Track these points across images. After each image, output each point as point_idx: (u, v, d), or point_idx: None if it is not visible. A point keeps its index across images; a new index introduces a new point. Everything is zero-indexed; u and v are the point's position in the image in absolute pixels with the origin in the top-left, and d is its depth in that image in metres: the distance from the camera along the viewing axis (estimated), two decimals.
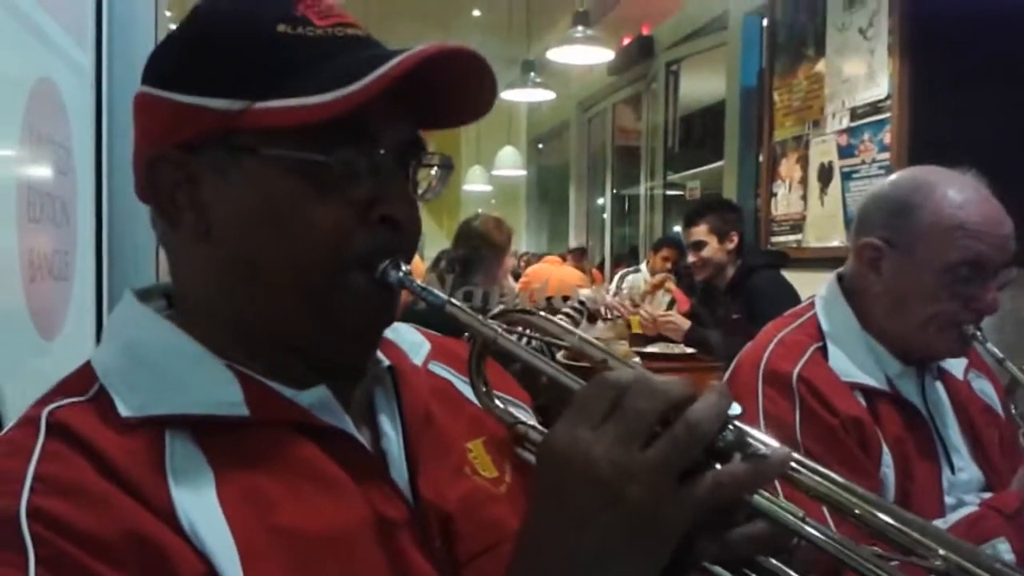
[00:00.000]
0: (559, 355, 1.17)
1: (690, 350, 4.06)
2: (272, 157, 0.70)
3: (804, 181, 4.74)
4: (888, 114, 4.04)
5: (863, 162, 4.24)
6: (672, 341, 4.21)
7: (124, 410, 0.68)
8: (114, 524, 0.61)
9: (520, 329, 0.76)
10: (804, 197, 4.75)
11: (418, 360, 0.87)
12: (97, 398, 0.70)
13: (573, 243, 10.73)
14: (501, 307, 0.80)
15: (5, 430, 0.69)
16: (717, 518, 0.61)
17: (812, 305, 1.57)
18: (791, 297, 3.37)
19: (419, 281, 0.75)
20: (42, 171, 1.35)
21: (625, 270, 6.96)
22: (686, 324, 3.90)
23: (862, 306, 1.51)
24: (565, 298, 4.10)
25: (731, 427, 0.60)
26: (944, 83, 3.81)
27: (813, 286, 1.67)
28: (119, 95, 1.72)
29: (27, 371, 1.21)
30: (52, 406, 0.68)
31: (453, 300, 0.74)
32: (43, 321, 1.31)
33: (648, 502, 0.57)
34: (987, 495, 1.44)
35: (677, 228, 6.97)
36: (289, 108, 0.68)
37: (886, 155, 4.05)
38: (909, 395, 1.47)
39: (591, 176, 11.29)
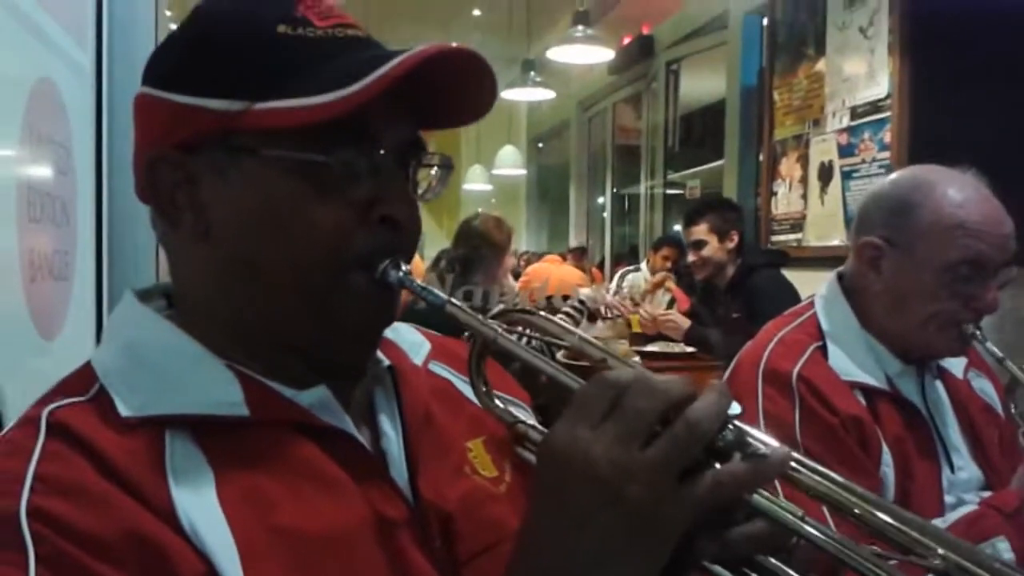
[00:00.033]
0: (559, 354, 1.17)
1: (690, 349, 4.06)
2: (272, 158, 0.70)
3: (804, 180, 4.74)
4: (888, 113, 4.04)
5: (863, 161, 4.24)
6: (672, 340, 4.21)
7: (124, 410, 0.68)
8: (114, 524, 0.61)
9: (520, 329, 0.76)
10: (804, 196, 4.75)
11: (418, 360, 0.87)
12: (97, 398, 0.70)
13: (573, 242, 10.73)
14: (501, 307, 0.80)
15: (5, 430, 0.69)
16: (717, 517, 0.61)
17: (812, 304, 1.57)
18: (791, 296, 3.37)
19: (419, 281, 0.75)
20: (42, 171, 1.36)
21: (625, 269, 6.96)
22: (686, 323, 3.90)
23: (862, 305, 1.51)
24: (565, 297, 4.10)
25: (731, 426, 0.60)
26: (944, 82, 3.81)
27: (813, 285, 1.67)
28: (119, 95, 1.72)
29: (27, 371, 1.21)
30: (52, 406, 0.68)
31: (453, 300, 0.74)
32: (43, 321, 1.32)
33: (648, 501, 0.57)
34: (987, 494, 1.44)
35: (677, 227, 6.97)
36: (289, 109, 0.68)
37: (886, 154, 4.05)
38: (909, 394, 1.47)
39: (591, 175, 11.29)
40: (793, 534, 0.61)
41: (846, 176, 4.37)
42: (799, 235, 4.78)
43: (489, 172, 12.02)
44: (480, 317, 0.74)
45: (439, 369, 0.89)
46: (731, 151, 6.10)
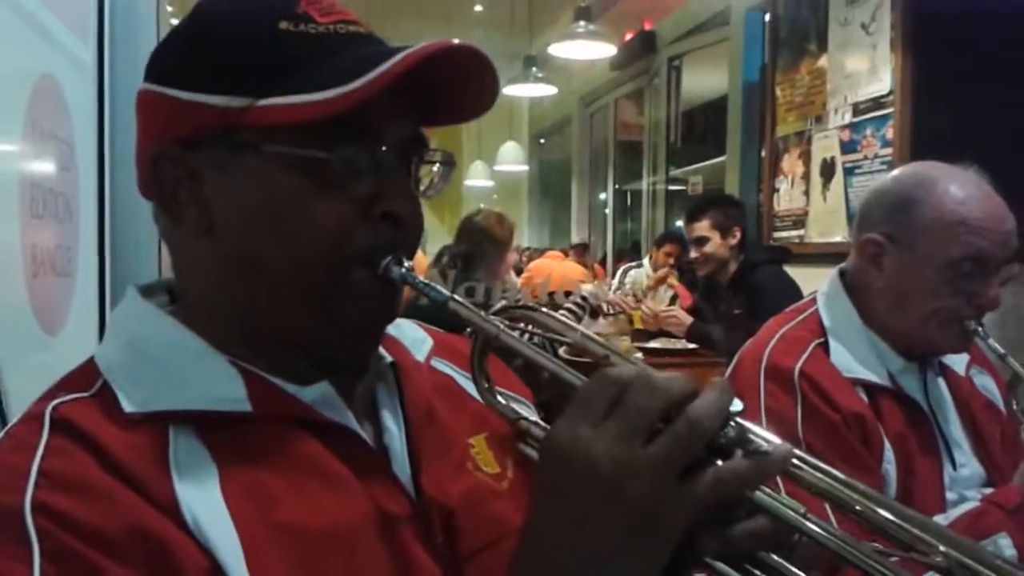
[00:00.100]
0: (561, 351, 1.17)
1: (692, 345, 4.06)
2: (274, 154, 0.70)
3: (806, 176, 4.74)
4: (890, 109, 4.03)
5: (865, 157, 4.23)
6: (674, 336, 4.21)
7: (128, 406, 0.68)
8: (118, 519, 0.62)
9: (522, 325, 0.76)
10: (806, 192, 4.74)
11: (420, 356, 0.87)
12: (101, 394, 0.70)
13: (575, 238, 10.74)
14: (503, 303, 0.79)
15: (9, 426, 0.69)
16: (719, 514, 0.61)
17: (814, 301, 1.57)
18: (793, 293, 3.37)
19: (421, 277, 0.75)
20: (45, 167, 1.36)
21: (627, 265, 6.96)
22: (688, 320, 3.91)
23: (864, 302, 1.51)
24: (567, 293, 4.09)
25: (733, 423, 0.60)
26: (946, 78, 3.80)
27: (815, 282, 1.67)
28: (121, 91, 1.72)
29: (30, 366, 1.21)
30: (56, 402, 0.68)
31: (456, 296, 0.74)
32: (46, 316, 1.32)
33: (649, 499, 0.58)
34: (988, 491, 1.44)
35: (679, 223, 6.96)
36: (291, 105, 0.68)
37: (888, 151, 4.05)
38: (911, 391, 1.47)
39: (593, 171, 11.29)
40: (795, 531, 0.61)
41: (848, 172, 4.37)
42: (801, 231, 4.78)
43: (491, 168, 12.02)
44: (482, 313, 0.74)
45: (441, 365, 0.89)
46: (733, 147, 6.09)
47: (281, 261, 0.72)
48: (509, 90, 7.84)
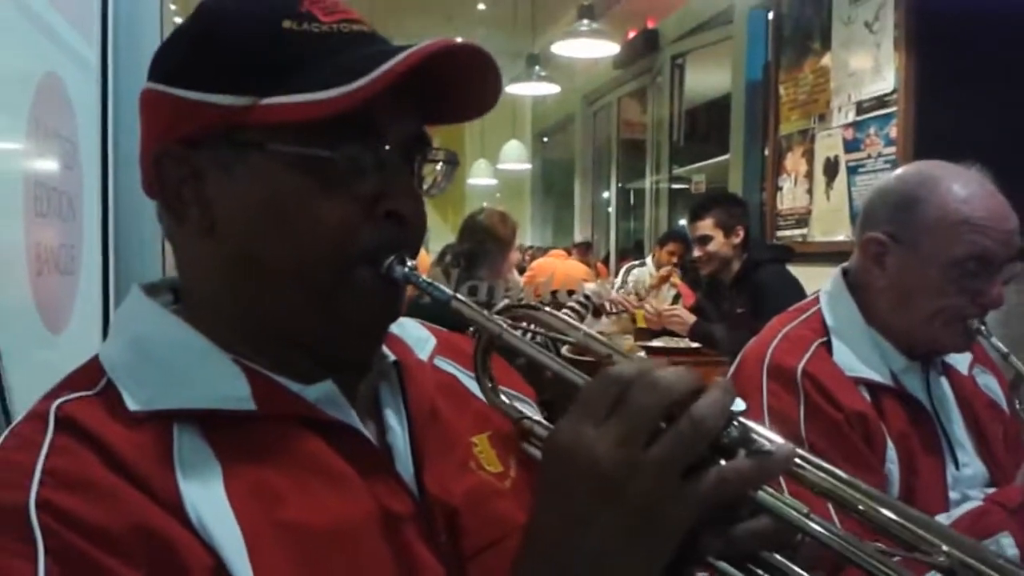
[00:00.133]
0: (564, 350, 1.17)
1: (695, 344, 4.06)
2: (277, 153, 0.70)
3: (810, 175, 4.74)
4: (894, 108, 4.03)
5: (869, 156, 4.23)
6: (677, 335, 4.20)
7: (132, 404, 0.69)
8: (122, 517, 0.62)
9: (525, 324, 0.76)
10: (810, 191, 4.74)
11: (423, 355, 0.87)
12: (105, 392, 0.70)
13: (578, 237, 10.73)
14: (506, 302, 0.80)
15: (14, 424, 0.70)
16: (722, 514, 0.61)
17: (817, 300, 1.57)
18: (796, 291, 3.37)
19: (424, 276, 0.76)
20: (49, 165, 1.36)
21: (630, 264, 6.96)
22: (691, 318, 3.90)
23: (867, 301, 1.51)
24: (570, 292, 4.10)
25: (735, 423, 0.60)
26: (950, 77, 3.80)
27: (818, 280, 1.67)
28: (125, 90, 1.72)
29: (34, 364, 1.21)
30: (60, 400, 0.69)
31: (458, 295, 0.74)
32: (50, 315, 1.32)
33: (651, 499, 0.57)
34: (991, 490, 1.44)
35: (683, 222, 6.96)
36: (295, 104, 0.69)
37: (892, 149, 4.04)
38: (914, 390, 1.47)
39: (596, 170, 11.28)
40: (798, 531, 0.61)
41: (852, 171, 4.36)
42: (804, 230, 4.78)
43: (494, 167, 12.02)
44: (485, 312, 0.74)
45: (444, 365, 0.89)
46: (736, 146, 6.08)
47: (285, 260, 0.72)
48: (512, 89, 7.84)
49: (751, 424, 0.61)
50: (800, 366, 1.42)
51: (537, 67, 7.90)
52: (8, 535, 0.60)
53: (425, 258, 5.42)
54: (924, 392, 1.49)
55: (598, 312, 4.15)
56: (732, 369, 1.55)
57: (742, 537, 0.61)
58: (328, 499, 0.70)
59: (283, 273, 0.72)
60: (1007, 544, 1.27)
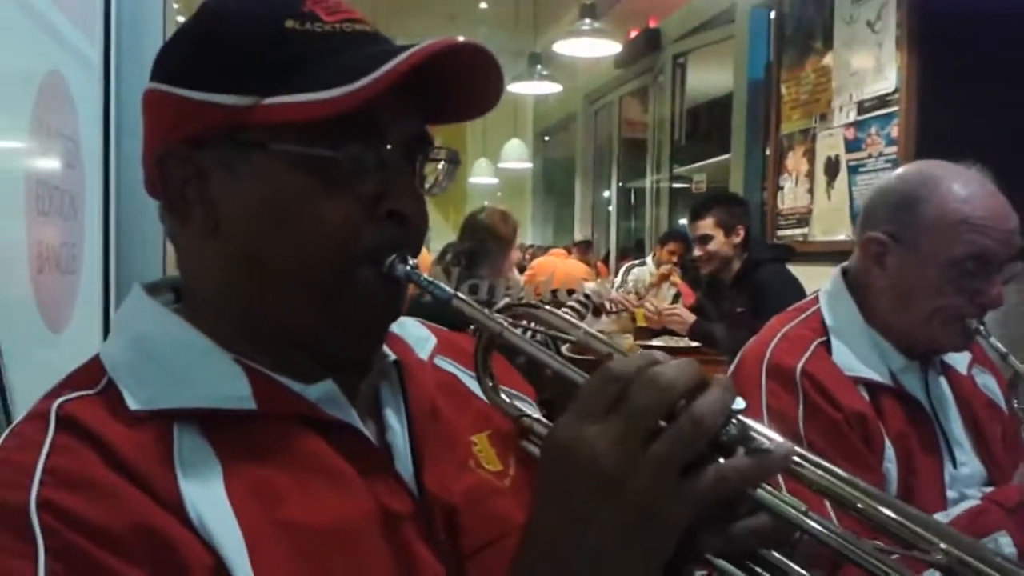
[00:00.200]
0: (564, 348, 1.17)
1: (695, 344, 4.06)
2: (280, 152, 0.71)
3: (811, 174, 4.73)
4: (895, 108, 4.03)
5: (870, 156, 4.23)
6: (677, 335, 4.20)
7: (133, 403, 0.69)
8: (123, 516, 0.62)
9: (525, 323, 0.76)
10: (810, 191, 4.74)
11: (424, 355, 0.87)
12: (106, 391, 0.70)
13: (579, 236, 10.72)
14: (506, 301, 0.80)
15: (15, 423, 0.70)
16: (720, 511, 0.61)
17: (816, 300, 1.57)
18: (796, 291, 3.37)
19: (425, 275, 0.76)
20: (51, 164, 1.36)
21: (631, 263, 6.95)
22: (690, 317, 3.90)
23: (866, 300, 1.51)
24: (570, 291, 4.10)
25: (735, 421, 0.60)
26: (951, 77, 3.80)
27: (819, 280, 1.67)
28: (127, 89, 1.73)
29: (34, 363, 1.22)
30: (61, 400, 0.69)
31: (459, 294, 0.75)
32: (50, 313, 1.32)
33: (650, 496, 0.58)
34: (989, 489, 1.44)
35: (683, 221, 6.95)
36: (297, 103, 0.69)
37: (893, 149, 4.04)
38: (912, 389, 1.48)
39: (597, 169, 11.27)
40: (796, 529, 0.61)
41: (853, 171, 4.36)
42: (805, 230, 4.78)
43: (495, 166, 12.02)
44: (486, 311, 0.74)
45: (445, 364, 0.89)
46: (737, 145, 6.08)
47: (287, 260, 0.72)
48: (514, 88, 7.84)
49: (750, 422, 0.61)
50: (799, 366, 1.42)
51: (539, 66, 7.90)
52: (8, 535, 0.60)
53: (426, 257, 5.42)
54: (923, 391, 1.49)
55: (598, 311, 4.15)
56: (731, 368, 1.55)
57: (741, 535, 0.61)
58: (328, 498, 0.70)
59: (286, 273, 0.73)
60: (1005, 543, 1.27)
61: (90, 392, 0.70)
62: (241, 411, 0.71)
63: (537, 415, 0.80)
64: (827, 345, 1.47)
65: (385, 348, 0.82)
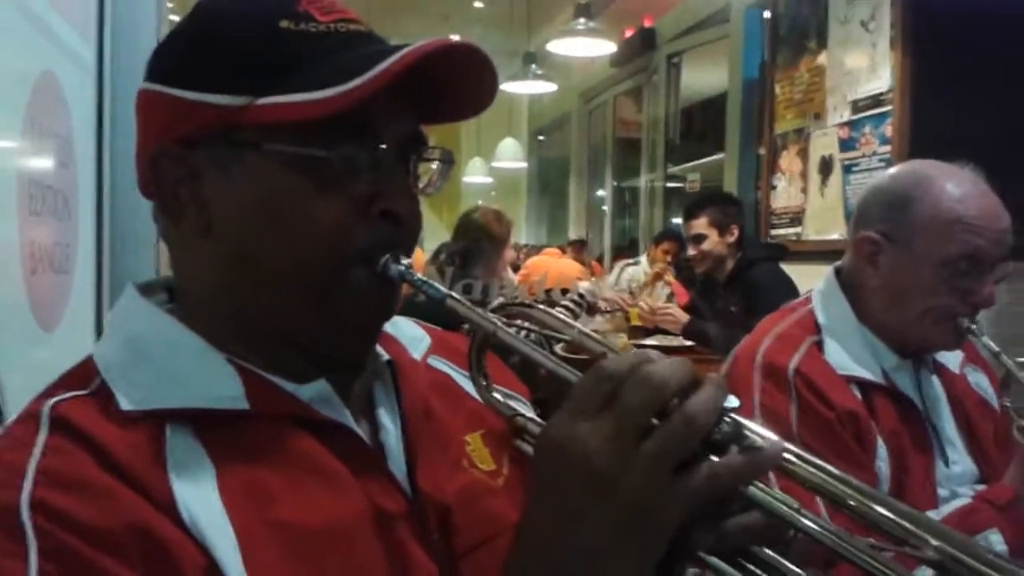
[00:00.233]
0: (558, 348, 1.17)
1: (688, 343, 4.06)
2: (274, 152, 0.71)
3: (804, 174, 4.74)
4: (889, 107, 4.03)
5: (863, 155, 4.24)
6: (671, 334, 4.21)
7: (125, 404, 0.69)
8: (116, 517, 0.62)
9: (519, 322, 0.77)
10: (804, 190, 4.75)
11: (417, 354, 0.87)
12: (98, 392, 0.70)
13: (573, 235, 10.72)
14: (500, 300, 0.80)
15: (7, 424, 0.70)
16: (713, 509, 0.61)
17: (809, 299, 1.58)
18: (790, 290, 3.38)
19: (419, 275, 0.76)
20: (44, 164, 1.36)
21: (625, 262, 6.96)
22: (684, 317, 3.90)
23: (859, 300, 1.52)
24: (564, 291, 4.10)
25: (727, 420, 0.60)
26: (945, 77, 3.81)
27: (812, 279, 1.68)
28: (121, 88, 1.72)
29: (27, 363, 1.21)
30: (54, 400, 0.69)
31: (453, 294, 0.75)
32: (43, 313, 1.32)
33: (643, 495, 0.58)
34: (980, 487, 1.45)
35: (677, 220, 6.96)
36: (291, 103, 0.69)
37: (887, 148, 4.05)
38: (905, 388, 1.48)
39: (591, 168, 11.28)
40: (789, 526, 0.61)
41: (846, 170, 4.37)
42: (799, 229, 4.78)
43: (489, 165, 12.01)
44: (480, 311, 0.74)
45: (439, 363, 0.89)
46: (732, 145, 6.10)
47: (280, 260, 0.72)
48: (508, 87, 7.83)
49: (743, 421, 0.61)
50: (792, 365, 1.42)
51: (533, 65, 7.90)
52: (0, 536, 0.60)
53: (420, 255, 5.42)
54: (915, 390, 1.49)
55: (592, 310, 4.16)
56: (725, 367, 1.56)
57: (734, 532, 0.62)
58: (321, 498, 0.70)
59: (279, 273, 0.73)
60: (996, 541, 1.28)
61: (83, 393, 0.70)
62: (234, 411, 0.71)
63: (531, 414, 0.80)
64: (820, 344, 1.48)
65: (379, 348, 0.82)
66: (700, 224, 3.77)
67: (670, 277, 5.15)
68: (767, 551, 0.63)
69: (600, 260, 9.88)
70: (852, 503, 0.62)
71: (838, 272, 1.58)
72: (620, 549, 0.59)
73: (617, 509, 0.58)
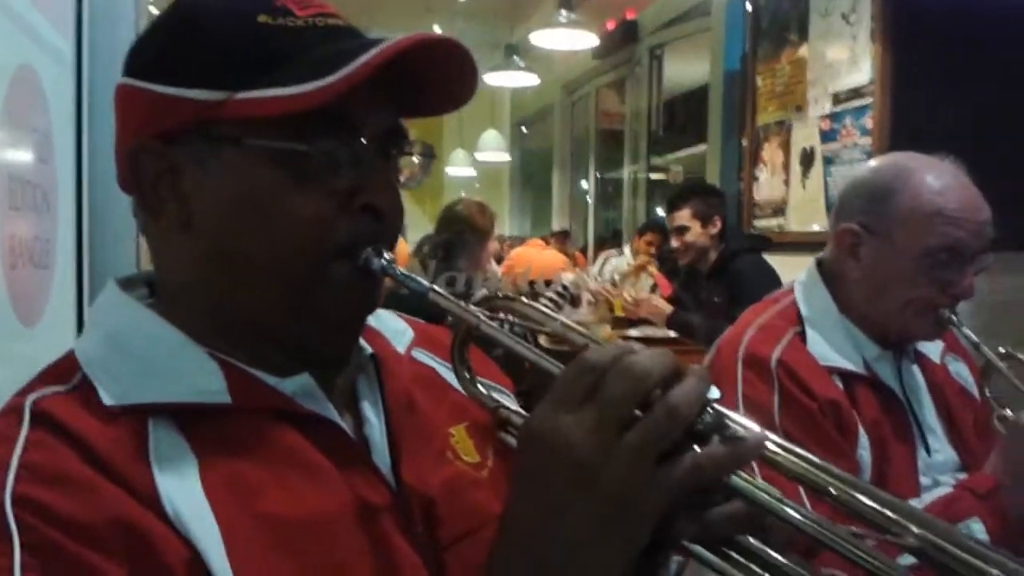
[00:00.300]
0: (541, 340, 1.17)
1: (672, 334, 4.07)
2: (253, 147, 0.70)
3: (786, 166, 4.76)
4: (870, 99, 4.05)
5: (844, 147, 4.26)
6: (655, 325, 4.22)
7: (107, 399, 0.68)
8: (99, 511, 0.62)
9: (502, 315, 0.77)
10: (786, 182, 4.77)
11: (401, 348, 0.87)
12: (80, 387, 0.70)
13: (556, 227, 10.72)
14: (484, 293, 0.80)
15: None
16: (696, 498, 0.62)
17: (791, 290, 1.58)
18: (773, 281, 3.39)
19: (401, 268, 0.76)
20: (23, 158, 1.35)
21: (608, 253, 6.97)
22: (666, 308, 3.91)
23: (841, 291, 1.53)
24: (548, 282, 4.10)
25: (710, 410, 0.61)
26: (925, 69, 3.83)
27: (795, 270, 1.69)
28: (99, 83, 1.71)
29: (7, 358, 1.21)
30: (35, 395, 0.68)
31: (436, 287, 0.75)
32: (23, 308, 1.31)
33: (626, 485, 0.58)
34: (962, 476, 1.46)
35: (660, 212, 6.98)
36: (270, 98, 0.69)
37: (867, 140, 4.07)
38: (886, 378, 1.49)
39: (575, 160, 11.27)
40: (771, 514, 0.62)
41: (828, 162, 4.39)
42: (781, 220, 4.80)
43: (472, 157, 11.98)
44: (462, 304, 0.74)
45: (422, 356, 0.89)
46: (714, 136, 6.10)
47: (260, 255, 0.72)
48: (491, 79, 7.82)
49: (725, 411, 0.62)
50: (775, 355, 1.43)
51: (516, 57, 7.88)
52: None
53: (404, 247, 5.40)
54: (896, 380, 1.51)
55: (576, 301, 4.16)
56: (708, 358, 1.56)
57: (717, 521, 0.62)
58: (305, 491, 0.70)
59: (259, 268, 0.72)
60: (977, 529, 1.29)
61: (64, 388, 0.70)
62: (216, 405, 0.71)
63: (515, 406, 0.81)
64: (802, 335, 1.49)
65: (362, 341, 0.82)
66: (683, 216, 3.77)
67: (653, 269, 5.16)
68: (750, 539, 0.63)
69: (584, 251, 9.89)
70: (834, 492, 0.63)
71: (820, 264, 1.59)
72: (603, 540, 0.59)
73: (600, 500, 0.58)
